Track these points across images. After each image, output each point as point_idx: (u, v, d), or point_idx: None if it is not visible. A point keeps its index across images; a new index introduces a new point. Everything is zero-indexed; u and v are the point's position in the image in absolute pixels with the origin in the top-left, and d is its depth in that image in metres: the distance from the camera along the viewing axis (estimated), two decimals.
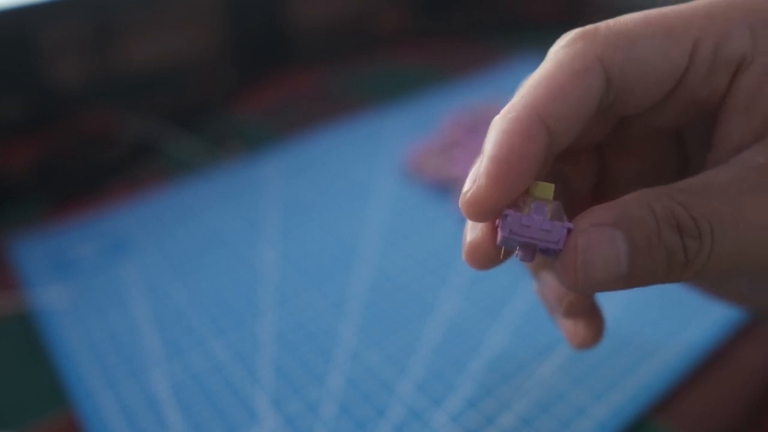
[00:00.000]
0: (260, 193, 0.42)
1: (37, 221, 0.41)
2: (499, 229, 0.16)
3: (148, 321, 0.32)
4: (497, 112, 0.47)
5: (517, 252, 0.17)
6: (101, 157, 0.47)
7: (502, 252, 0.18)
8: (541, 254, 0.17)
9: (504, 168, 0.16)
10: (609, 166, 0.22)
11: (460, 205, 0.17)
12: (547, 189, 0.17)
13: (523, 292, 0.32)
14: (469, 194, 0.16)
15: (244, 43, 0.64)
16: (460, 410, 0.26)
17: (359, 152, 0.46)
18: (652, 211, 0.15)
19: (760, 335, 0.29)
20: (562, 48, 0.17)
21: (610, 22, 0.17)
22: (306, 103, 0.55)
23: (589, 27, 0.17)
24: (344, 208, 0.39)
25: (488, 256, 0.19)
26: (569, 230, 0.16)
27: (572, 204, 0.22)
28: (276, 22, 0.64)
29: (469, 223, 0.19)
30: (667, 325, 0.29)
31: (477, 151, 0.41)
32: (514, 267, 0.33)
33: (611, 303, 0.31)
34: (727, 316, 0.29)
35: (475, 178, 0.16)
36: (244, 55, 0.64)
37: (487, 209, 0.16)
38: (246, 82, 0.59)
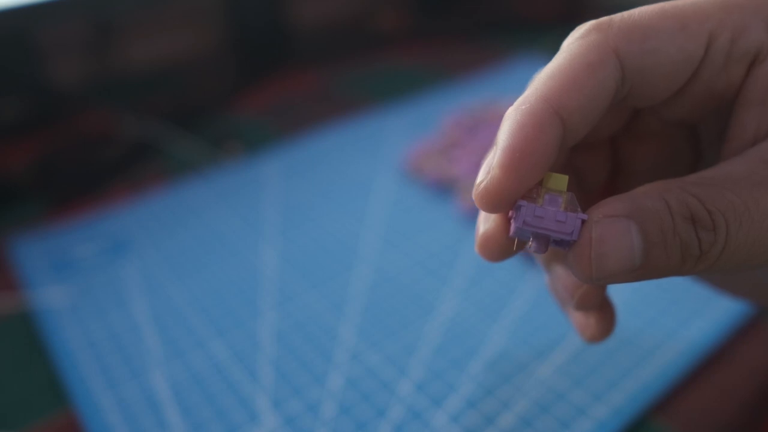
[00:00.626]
0: (260, 193, 0.42)
1: (37, 221, 0.41)
2: (512, 221, 0.16)
3: (148, 321, 0.32)
4: (497, 112, 0.47)
5: (531, 243, 0.17)
6: (101, 157, 0.47)
7: (515, 243, 0.18)
8: (554, 245, 0.17)
9: (518, 159, 0.16)
10: (623, 159, 0.22)
11: (473, 197, 0.16)
12: (561, 180, 0.16)
13: (522, 292, 0.32)
14: (482, 185, 0.16)
15: (244, 43, 0.64)
16: (460, 410, 0.26)
17: (359, 152, 0.46)
18: (667, 204, 0.15)
19: (760, 335, 0.29)
20: (576, 40, 0.17)
21: (625, 14, 0.17)
22: (306, 103, 0.55)
23: (603, 19, 0.17)
24: (344, 208, 0.39)
25: (501, 248, 0.18)
26: (583, 221, 0.16)
27: (586, 196, 0.22)
28: (276, 23, 0.64)
29: (482, 215, 0.19)
30: (667, 324, 0.29)
31: (477, 151, 0.41)
32: (514, 267, 0.33)
33: None
34: (728, 315, 0.29)
35: (488, 169, 0.16)
36: (244, 55, 0.64)
37: (501, 200, 0.16)
38: (246, 82, 0.59)
